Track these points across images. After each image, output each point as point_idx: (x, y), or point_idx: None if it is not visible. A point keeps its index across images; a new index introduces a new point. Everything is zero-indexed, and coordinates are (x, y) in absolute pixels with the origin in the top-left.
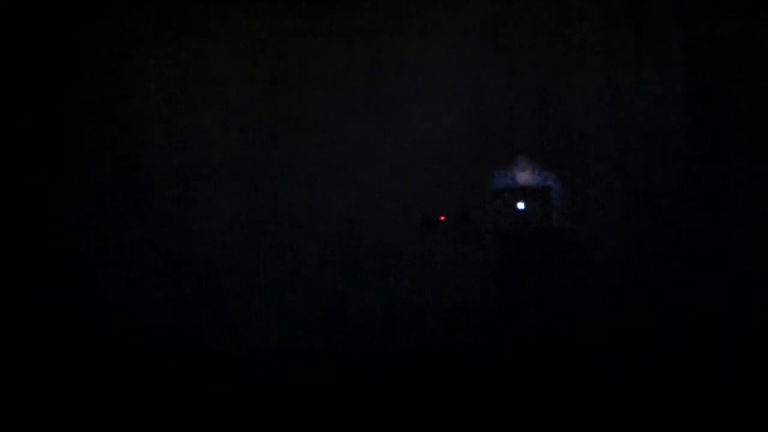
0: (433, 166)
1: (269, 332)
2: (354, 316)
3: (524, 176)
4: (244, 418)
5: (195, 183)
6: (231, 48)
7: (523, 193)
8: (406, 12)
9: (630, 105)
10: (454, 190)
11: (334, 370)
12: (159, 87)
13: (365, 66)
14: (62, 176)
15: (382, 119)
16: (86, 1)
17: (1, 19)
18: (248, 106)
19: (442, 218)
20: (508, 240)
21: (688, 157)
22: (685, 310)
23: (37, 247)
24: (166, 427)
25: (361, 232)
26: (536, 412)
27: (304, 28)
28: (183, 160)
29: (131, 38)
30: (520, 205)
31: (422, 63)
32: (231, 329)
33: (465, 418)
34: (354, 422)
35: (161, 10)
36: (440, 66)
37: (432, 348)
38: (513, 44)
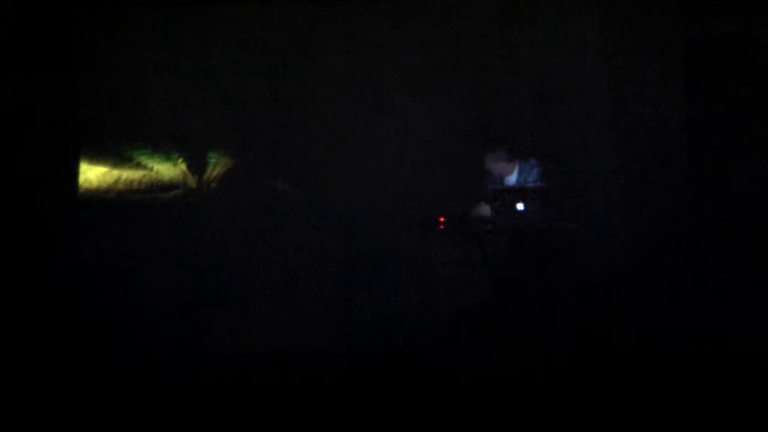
0: (433, 166)
1: (269, 332)
2: (354, 316)
3: (503, 167)
4: (245, 418)
5: (195, 183)
6: (231, 48)
7: (522, 193)
8: (406, 12)
9: (630, 105)
10: (454, 190)
11: (334, 370)
12: (159, 87)
13: (365, 66)
14: (61, 176)
15: (382, 119)
16: (86, 1)
17: (0, 19)
18: (248, 106)
19: (442, 219)
20: (508, 240)
21: (688, 157)
22: (685, 310)
23: (36, 245)
24: (166, 428)
25: (361, 232)
26: (537, 412)
27: (304, 27)
28: (183, 160)
29: (131, 38)
30: (520, 206)
31: (422, 63)
32: (231, 329)
33: (465, 418)
34: (354, 423)
35: (161, 10)
36: (440, 66)
37: (432, 348)
38: (513, 44)
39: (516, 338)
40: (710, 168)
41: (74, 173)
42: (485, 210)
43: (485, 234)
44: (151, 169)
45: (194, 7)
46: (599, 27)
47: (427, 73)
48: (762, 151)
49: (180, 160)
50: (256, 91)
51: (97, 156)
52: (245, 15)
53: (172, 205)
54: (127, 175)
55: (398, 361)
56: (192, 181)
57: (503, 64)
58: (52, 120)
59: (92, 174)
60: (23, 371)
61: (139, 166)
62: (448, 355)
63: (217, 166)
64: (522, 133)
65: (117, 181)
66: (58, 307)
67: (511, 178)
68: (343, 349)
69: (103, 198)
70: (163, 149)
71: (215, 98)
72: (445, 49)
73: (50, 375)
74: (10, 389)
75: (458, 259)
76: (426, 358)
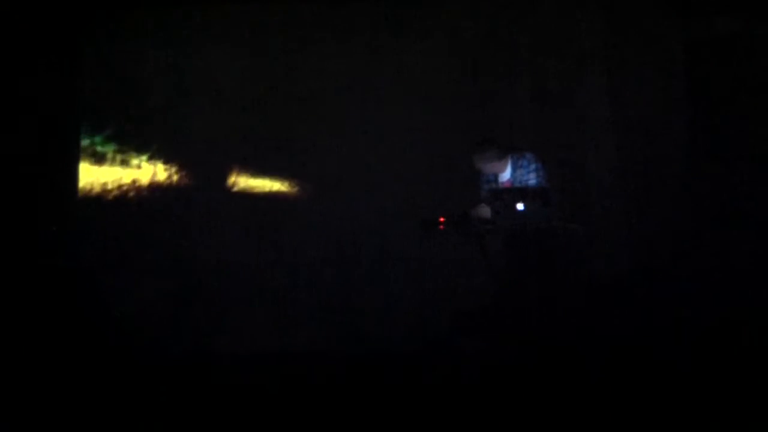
0: (433, 167)
1: (269, 332)
2: (354, 316)
3: (495, 167)
4: (244, 418)
5: (195, 183)
6: (231, 48)
7: (522, 193)
8: (406, 13)
9: (630, 105)
10: (453, 190)
11: (334, 370)
12: (159, 87)
13: (365, 67)
14: (61, 176)
15: (382, 119)
16: (86, 1)
17: (0, 19)
18: (248, 106)
19: (442, 219)
20: (508, 240)
21: (688, 157)
22: (685, 310)
23: (36, 245)
24: (166, 428)
25: (360, 232)
26: (537, 412)
27: (304, 28)
28: (183, 160)
29: (131, 38)
30: (520, 206)
31: (422, 64)
32: (231, 329)
33: (466, 419)
34: (353, 423)
35: (161, 10)
36: (440, 67)
37: (432, 349)
38: (513, 45)
39: (516, 338)
40: (710, 168)
41: (74, 173)
42: (485, 210)
43: (485, 234)
44: (151, 170)
45: (194, 7)
46: (599, 27)
47: (427, 73)
48: (762, 151)
49: (180, 161)
50: (256, 91)
51: (97, 156)
52: (245, 15)
53: (172, 205)
54: (127, 175)
55: (397, 361)
56: (191, 181)
57: (503, 64)
58: (52, 120)
59: (92, 174)
60: (23, 372)
61: (138, 166)
62: (447, 355)
63: (217, 166)
64: (522, 133)
65: (117, 181)
66: (56, 307)
67: (506, 176)
68: (343, 349)
69: (103, 198)
70: (163, 149)
71: (215, 98)
72: (445, 49)
73: (50, 375)
74: (10, 390)
75: (458, 259)
76: (425, 358)
